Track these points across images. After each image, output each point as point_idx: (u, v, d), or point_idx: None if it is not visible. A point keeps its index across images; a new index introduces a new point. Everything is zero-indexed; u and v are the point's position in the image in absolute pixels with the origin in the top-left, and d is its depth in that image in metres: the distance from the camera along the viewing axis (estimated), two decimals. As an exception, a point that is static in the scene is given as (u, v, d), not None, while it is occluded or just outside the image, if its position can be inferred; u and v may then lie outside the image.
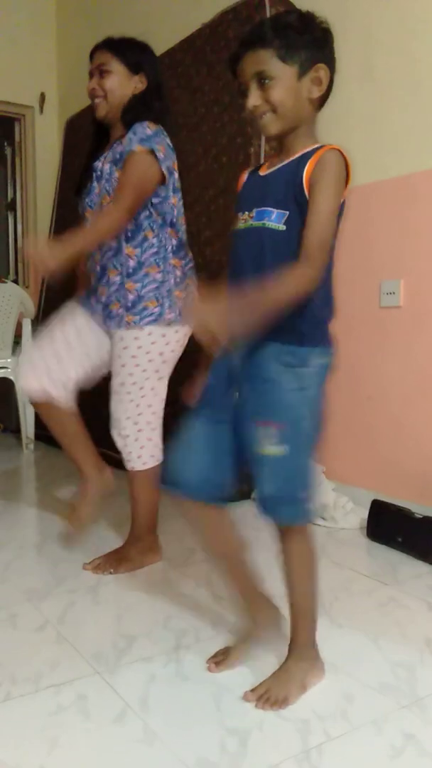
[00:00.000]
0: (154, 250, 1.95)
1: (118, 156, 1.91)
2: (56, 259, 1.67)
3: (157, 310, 1.94)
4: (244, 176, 1.44)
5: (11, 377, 3.82)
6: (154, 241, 1.95)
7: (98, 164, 1.97)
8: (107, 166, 1.94)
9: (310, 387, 1.31)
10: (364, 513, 2.42)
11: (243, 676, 1.45)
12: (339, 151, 1.28)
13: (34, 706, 1.36)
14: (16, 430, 4.06)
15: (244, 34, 1.31)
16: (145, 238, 1.94)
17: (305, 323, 1.30)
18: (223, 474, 1.41)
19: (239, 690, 1.39)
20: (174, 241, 1.99)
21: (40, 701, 1.37)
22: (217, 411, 1.39)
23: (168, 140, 1.94)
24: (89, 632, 1.66)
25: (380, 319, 2.55)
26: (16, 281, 4.65)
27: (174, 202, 1.97)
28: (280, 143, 1.36)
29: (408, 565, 2.13)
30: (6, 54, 4.45)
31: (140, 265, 1.94)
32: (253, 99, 1.29)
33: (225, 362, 1.38)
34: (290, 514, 1.35)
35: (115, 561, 2.04)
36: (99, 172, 1.97)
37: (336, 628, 1.69)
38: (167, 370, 2.04)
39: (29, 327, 3.86)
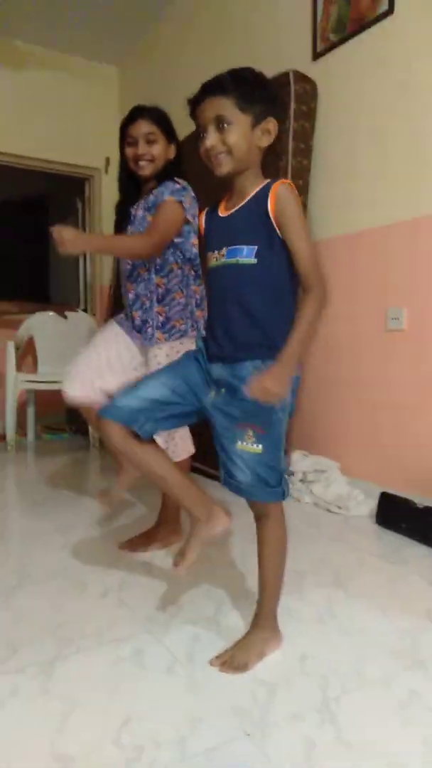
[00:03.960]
0: (179, 279, 1.97)
1: (150, 204, 1.93)
2: (76, 246, 1.61)
3: (183, 327, 1.96)
4: (203, 217, 1.39)
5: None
6: (179, 272, 1.96)
7: (133, 210, 1.99)
8: (141, 212, 1.96)
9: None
10: (374, 503, 2.39)
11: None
12: (289, 183, 1.25)
13: (98, 657, 1.37)
14: (85, 433, 4.12)
15: (206, 83, 1.27)
16: (171, 270, 1.96)
17: (283, 341, 1.22)
18: (151, 419, 1.32)
19: (271, 651, 1.38)
20: (193, 273, 2.01)
21: (104, 654, 1.38)
22: (186, 395, 1.34)
23: (192, 194, 1.94)
24: (144, 599, 1.67)
25: (386, 340, 2.53)
26: (85, 310, 4.73)
27: (194, 242, 1.98)
28: (231, 184, 1.31)
29: (411, 548, 2.09)
30: (76, 123, 4.55)
31: (168, 291, 1.96)
32: (211, 139, 1.25)
33: (202, 368, 1.35)
34: (264, 495, 1.31)
35: (146, 540, 2.06)
36: (133, 218, 1.99)
37: (351, 600, 1.67)
38: None
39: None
